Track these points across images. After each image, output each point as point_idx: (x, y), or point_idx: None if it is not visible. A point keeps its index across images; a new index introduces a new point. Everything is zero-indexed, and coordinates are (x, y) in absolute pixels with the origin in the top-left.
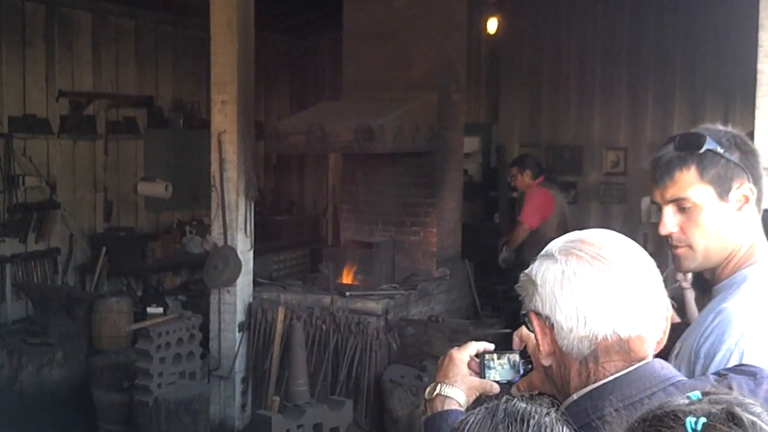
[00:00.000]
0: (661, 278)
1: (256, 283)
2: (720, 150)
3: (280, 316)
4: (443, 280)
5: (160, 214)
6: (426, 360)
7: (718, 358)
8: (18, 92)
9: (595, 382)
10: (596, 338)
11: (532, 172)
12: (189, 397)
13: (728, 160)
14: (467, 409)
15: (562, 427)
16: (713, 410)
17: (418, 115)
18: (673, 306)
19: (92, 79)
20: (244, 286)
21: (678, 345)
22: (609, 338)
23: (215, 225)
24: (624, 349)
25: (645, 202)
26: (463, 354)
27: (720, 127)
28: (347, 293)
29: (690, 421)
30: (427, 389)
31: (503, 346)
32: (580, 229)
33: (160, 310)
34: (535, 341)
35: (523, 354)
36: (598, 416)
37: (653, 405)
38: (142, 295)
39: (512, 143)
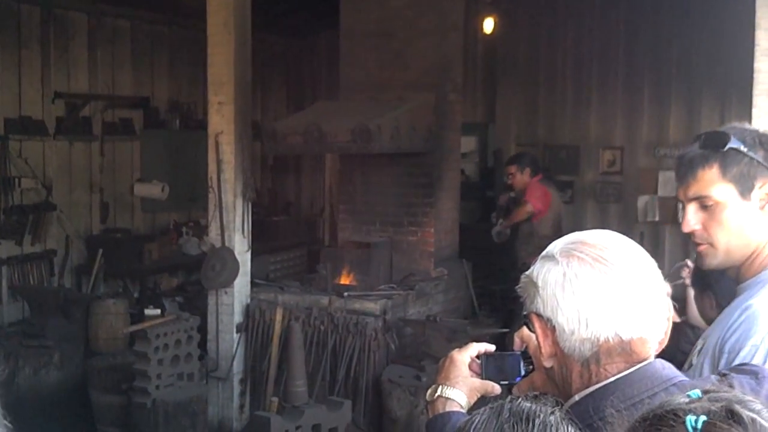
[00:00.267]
0: (662, 279)
1: (253, 284)
2: (743, 148)
3: (279, 317)
4: (441, 280)
5: (157, 215)
6: (424, 360)
7: (743, 354)
8: (13, 94)
9: (597, 383)
10: (598, 340)
11: (531, 170)
12: (187, 398)
13: (751, 158)
14: (468, 411)
15: (568, 426)
16: (713, 408)
17: (415, 115)
18: (674, 306)
19: (88, 80)
20: (241, 287)
21: (700, 342)
22: (611, 340)
23: (212, 226)
24: (626, 351)
25: (641, 200)
26: (464, 355)
27: (747, 126)
28: (345, 294)
29: (690, 419)
30: (428, 391)
31: (501, 345)
32: (576, 228)
33: (158, 311)
34: (536, 342)
35: (524, 355)
36: (599, 417)
37: (654, 404)
38: (138, 296)
39: (509, 143)
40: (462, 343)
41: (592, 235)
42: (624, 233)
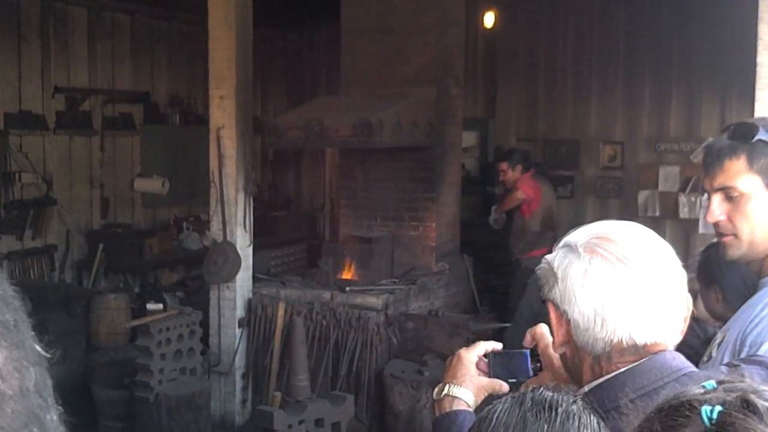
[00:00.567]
0: (684, 276)
1: (255, 279)
2: None
3: (281, 312)
4: (442, 275)
5: (157, 210)
6: (426, 355)
7: (765, 347)
8: (13, 88)
9: (607, 375)
10: (611, 341)
11: (522, 167)
12: (190, 393)
13: None
14: (475, 410)
15: (590, 415)
16: (728, 398)
17: (416, 109)
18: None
19: (88, 74)
20: (243, 281)
21: (720, 335)
22: (624, 342)
23: (214, 221)
24: (640, 352)
25: (642, 195)
26: (472, 354)
27: None
28: (347, 288)
29: (705, 409)
30: (435, 389)
31: (500, 340)
32: (576, 224)
33: (160, 306)
34: (549, 338)
35: (533, 353)
36: (612, 407)
37: (668, 395)
38: (139, 291)
39: (509, 138)
40: (465, 339)
41: (618, 229)
42: None
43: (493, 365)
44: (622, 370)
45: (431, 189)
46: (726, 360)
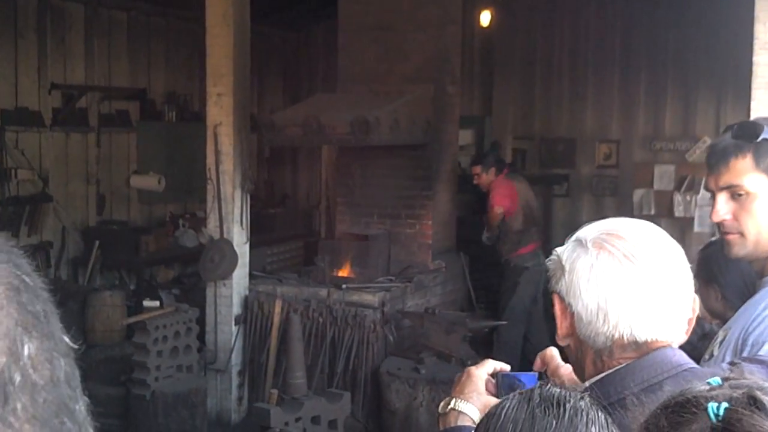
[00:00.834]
0: (692, 277)
1: (252, 276)
2: None
3: (278, 309)
4: (439, 273)
5: (153, 207)
6: (423, 352)
7: (766, 348)
8: (10, 85)
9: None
10: (613, 336)
11: (495, 169)
12: (186, 390)
13: None
14: None
15: (598, 411)
16: (734, 395)
17: (413, 107)
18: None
19: (84, 71)
20: (240, 279)
21: (721, 333)
22: (625, 338)
23: (211, 218)
24: (641, 349)
25: (637, 194)
26: (481, 371)
27: None
28: (344, 286)
29: (712, 406)
30: (441, 403)
31: (496, 336)
32: (571, 221)
33: (157, 303)
34: (558, 360)
35: (541, 377)
36: (613, 401)
37: (674, 392)
38: (135, 288)
39: (505, 136)
40: (461, 336)
41: (629, 227)
42: None
43: (501, 386)
44: (623, 365)
45: (428, 187)
46: (728, 359)
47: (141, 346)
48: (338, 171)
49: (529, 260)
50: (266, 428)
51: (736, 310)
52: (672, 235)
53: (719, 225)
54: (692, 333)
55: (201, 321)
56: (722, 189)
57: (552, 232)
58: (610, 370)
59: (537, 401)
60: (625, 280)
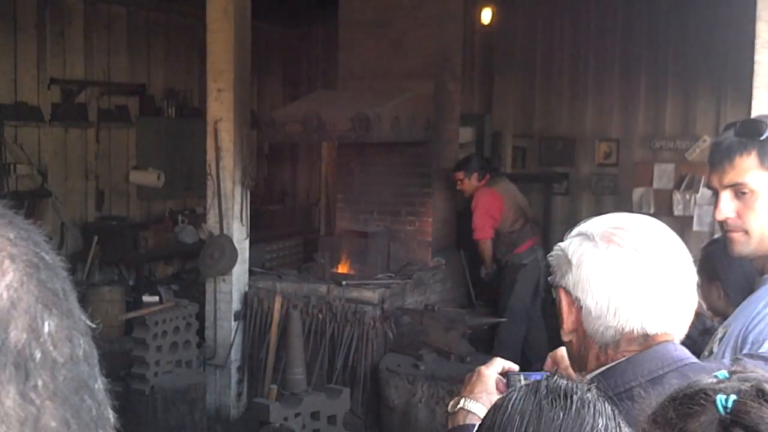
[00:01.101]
0: (695, 272)
1: (251, 273)
2: None
3: (277, 305)
4: (438, 270)
5: (152, 203)
6: (422, 349)
7: (766, 346)
8: (9, 80)
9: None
10: (623, 330)
11: (478, 175)
12: (186, 385)
13: None
14: None
15: (604, 403)
16: (743, 387)
17: (414, 104)
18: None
19: (84, 66)
20: (239, 275)
21: (721, 330)
22: (635, 332)
23: (211, 213)
24: (647, 342)
25: (637, 193)
26: (491, 371)
27: None
28: (343, 282)
29: (720, 398)
30: (451, 403)
31: (495, 333)
32: (570, 220)
33: (156, 298)
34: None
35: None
36: (617, 392)
37: (682, 384)
38: (134, 284)
39: (506, 134)
40: (460, 334)
41: (634, 221)
42: None
43: (511, 385)
44: (624, 358)
45: (428, 184)
46: (727, 356)
47: (140, 341)
48: (338, 168)
49: (526, 257)
50: (265, 424)
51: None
52: None
53: (722, 223)
54: (693, 328)
55: (200, 317)
56: (726, 187)
57: (551, 230)
58: (611, 364)
59: (544, 393)
60: (636, 273)
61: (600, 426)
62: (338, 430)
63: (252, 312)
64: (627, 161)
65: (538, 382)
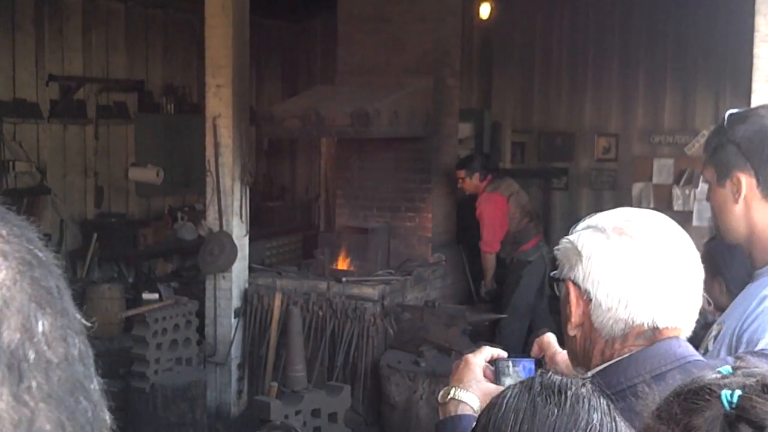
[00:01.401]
0: (701, 269)
1: (251, 269)
2: (730, 135)
3: (277, 302)
4: (438, 266)
5: (152, 199)
6: (423, 345)
7: (761, 345)
8: (7, 76)
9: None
10: (633, 323)
11: (480, 175)
12: (186, 383)
13: (733, 146)
14: None
15: (599, 398)
16: (748, 382)
17: (413, 99)
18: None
19: (82, 63)
20: (239, 271)
21: (716, 327)
22: (645, 325)
23: (210, 210)
24: (654, 337)
25: (636, 188)
26: (479, 358)
27: None
28: (343, 279)
29: (726, 393)
30: (441, 393)
31: (497, 329)
32: (570, 215)
33: (156, 296)
34: (556, 347)
35: (539, 363)
36: (621, 388)
37: (686, 380)
38: (133, 281)
39: (505, 129)
40: (461, 330)
41: (644, 215)
42: None
43: (499, 372)
44: (627, 355)
45: (427, 180)
46: (722, 354)
47: (140, 338)
48: (337, 164)
49: (532, 254)
50: (266, 421)
51: None
52: None
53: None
54: (695, 323)
55: (200, 314)
56: (706, 180)
57: (551, 226)
58: (613, 360)
59: (538, 390)
60: (647, 265)
61: (595, 421)
62: (339, 428)
63: (252, 309)
64: (626, 156)
65: (532, 379)
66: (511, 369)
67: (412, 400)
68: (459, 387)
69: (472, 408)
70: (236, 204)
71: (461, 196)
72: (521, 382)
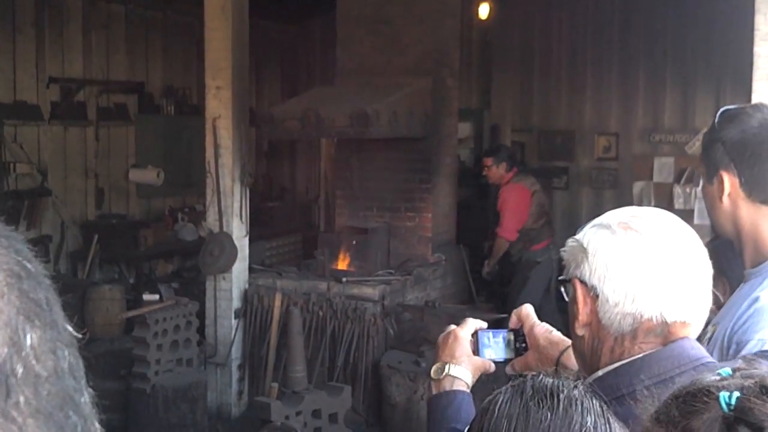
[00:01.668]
0: (710, 266)
1: (251, 270)
2: (719, 132)
3: (277, 303)
4: (438, 266)
5: (152, 201)
6: (423, 346)
7: (749, 346)
8: (8, 79)
9: (625, 359)
10: (641, 317)
11: (507, 165)
12: (186, 384)
13: (720, 144)
14: (471, 390)
15: (592, 399)
16: (746, 384)
17: (412, 100)
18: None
19: (83, 65)
20: (239, 272)
21: (710, 328)
22: (654, 320)
23: (210, 211)
24: (664, 333)
25: (637, 187)
26: (466, 332)
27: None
28: (344, 279)
29: (724, 395)
30: (434, 368)
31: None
32: (571, 214)
33: (156, 296)
34: (534, 319)
35: (517, 334)
36: (626, 392)
37: (684, 382)
38: (134, 282)
39: (504, 129)
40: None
41: (651, 213)
42: None
43: (479, 344)
44: (639, 356)
45: (427, 180)
46: (715, 357)
47: (141, 339)
48: (337, 164)
49: (541, 255)
50: (267, 422)
51: None
52: None
53: None
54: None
55: (201, 315)
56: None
57: (550, 220)
58: (625, 360)
59: (530, 394)
60: (654, 258)
61: (589, 424)
62: (340, 428)
63: (252, 309)
64: (626, 155)
65: (524, 382)
66: (491, 340)
67: (413, 400)
68: (452, 363)
69: (465, 383)
70: (236, 205)
71: (461, 196)
72: (512, 386)
